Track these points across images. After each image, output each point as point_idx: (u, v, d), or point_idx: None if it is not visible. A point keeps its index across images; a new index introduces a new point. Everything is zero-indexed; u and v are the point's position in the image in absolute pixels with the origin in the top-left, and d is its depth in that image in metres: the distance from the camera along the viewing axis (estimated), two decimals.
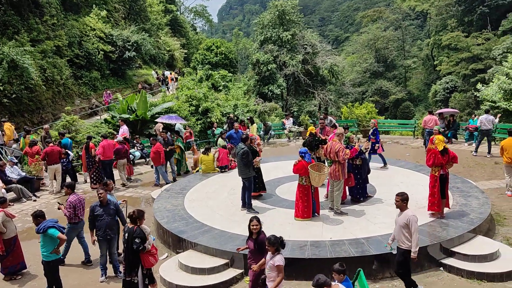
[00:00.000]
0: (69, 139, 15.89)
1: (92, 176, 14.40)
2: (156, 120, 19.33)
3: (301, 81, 34.09)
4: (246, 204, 10.14)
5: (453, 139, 19.01)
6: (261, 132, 21.21)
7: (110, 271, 8.24)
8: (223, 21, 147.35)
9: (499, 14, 48.58)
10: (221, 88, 29.54)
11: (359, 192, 10.42)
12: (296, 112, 31.69)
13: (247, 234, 8.58)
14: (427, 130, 16.55)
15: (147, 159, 17.65)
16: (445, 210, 9.15)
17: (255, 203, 10.45)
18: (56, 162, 13.80)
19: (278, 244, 5.76)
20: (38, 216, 7.34)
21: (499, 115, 18.35)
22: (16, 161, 14.75)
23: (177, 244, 9.04)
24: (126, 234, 6.74)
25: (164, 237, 9.60)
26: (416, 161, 14.90)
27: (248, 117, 19.11)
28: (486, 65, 42.69)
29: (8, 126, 16.34)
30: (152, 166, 15.88)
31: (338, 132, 9.76)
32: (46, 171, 14.40)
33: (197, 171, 14.71)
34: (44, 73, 21.94)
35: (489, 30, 48.84)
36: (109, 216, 7.97)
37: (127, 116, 20.21)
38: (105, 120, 21.43)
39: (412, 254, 6.51)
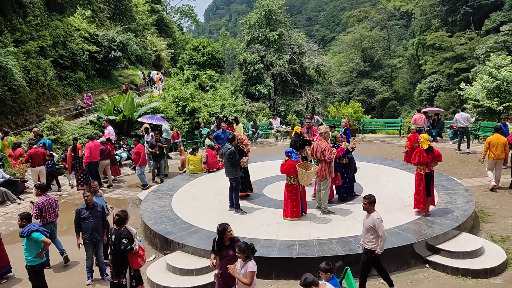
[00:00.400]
0: (48, 140, 15.62)
1: (79, 177, 14.24)
2: (139, 119, 18.98)
3: (288, 81, 34.21)
4: (234, 205, 10.13)
5: (438, 138, 19.25)
6: (249, 132, 21.21)
7: (96, 273, 8.16)
8: (210, 21, 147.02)
9: (482, 14, 49.40)
10: (208, 88, 29.48)
11: (346, 191, 10.49)
12: (284, 111, 31.81)
13: (236, 234, 8.56)
14: (421, 128, 16.86)
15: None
16: (431, 207, 9.26)
17: (242, 203, 10.45)
18: (40, 164, 13.62)
19: (248, 251, 5.63)
20: (24, 218, 7.24)
21: (475, 114, 18.65)
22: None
23: (165, 245, 8.99)
24: (113, 236, 6.69)
25: (152, 238, 9.54)
26: (402, 159, 15.04)
27: (233, 117, 19.08)
28: (469, 64, 43.38)
29: None
30: (134, 168, 15.80)
31: (322, 131, 9.77)
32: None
33: (185, 171, 14.65)
34: (28, 74, 21.64)
35: (472, 30, 49.63)
36: (95, 219, 7.89)
37: (113, 117, 20.04)
38: (91, 121, 21.22)
39: (378, 250, 6.59)
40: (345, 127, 14.02)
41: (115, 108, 21.01)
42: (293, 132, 11.59)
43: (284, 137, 21.82)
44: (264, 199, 11.00)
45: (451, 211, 9.24)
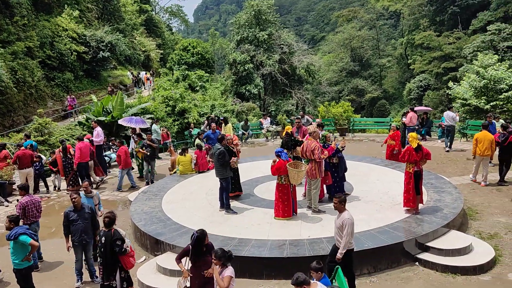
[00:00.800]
0: (33, 142, 15.40)
1: (71, 179, 14.06)
2: (118, 122, 18.31)
3: (278, 81, 34.26)
4: (224, 205, 10.11)
5: (427, 136, 19.41)
6: (240, 132, 21.18)
7: (86, 276, 8.09)
8: (199, 21, 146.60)
9: (469, 14, 49.95)
10: (198, 88, 29.41)
11: (336, 190, 10.48)
12: (274, 111, 31.85)
13: (227, 234, 8.61)
14: (411, 127, 17.00)
15: None
16: (420, 205, 9.32)
17: (233, 203, 10.43)
18: (28, 166, 13.45)
19: (225, 258, 5.52)
20: (13, 221, 7.15)
21: (457, 112, 18.90)
22: None
23: (155, 246, 8.94)
24: (103, 238, 6.64)
25: (142, 239, 9.48)
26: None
27: (222, 118, 19.04)
28: (457, 63, 43.81)
29: None
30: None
31: (311, 131, 9.79)
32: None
33: (175, 172, 14.58)
34: (15, 75, 21.38)
35: (459, 29, 50.12)
36: (84, 221, 7.80)
37: (103, 118, 19.88)
38: (79, 122, 21.03)
39: (338, 254, 6.51)
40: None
41: (104, 109, 20.85)
42: (284, 132, 11.59)
43: (274, 137, 21.83)
44: (255, 199, 10.99)
45: (440, 209, 9.31)
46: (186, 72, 30.64)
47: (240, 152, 13.03)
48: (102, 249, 6.66)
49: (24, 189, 8.82)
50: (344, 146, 10.60)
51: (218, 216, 9.89)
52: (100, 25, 34.10)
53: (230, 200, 10.25)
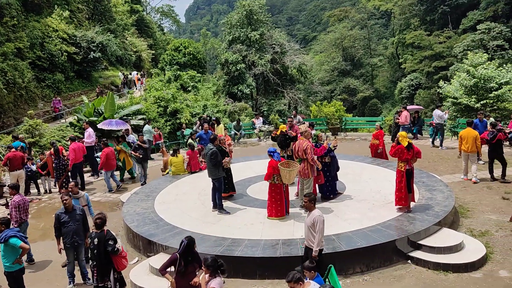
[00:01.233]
0: (21, 143, 15.26)
1: (64, 181, 13.93)
2: (98, 126, 17.69)
3: (270, 81, 34.24)
4: (217, 205, 10.09)
5: (419, 135, 19.54)
6: (232, 132, 21.16)
7: (78, 278, 8.04)
8: (191, 21, 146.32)
9: (459, 13, 50.35)
10: (190, 88, 29.34)
11: (329, 189, 10.55)
12: (266, 111, 31.84)
13: (220, 235, 8.60)
14: (406, 125, 17.16)
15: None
16: (411, 204, 9.38)
17: (226, 203, 10.42)
18: (19, 168, 13.32)
19: (213, 267, 5.38)
20: (3, 224, 7.09)
21: (446, 110, 19.07)
22: None
23: (148, 247, 8.90)
24: (96, 240, 6.60)
25: (134, 241, 9.44)
26: (382, 157, 15.19)
27: (214, 118, 18.99)
28: (448, 62, 44.11)
29: None
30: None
31: (303, 130, 9.81)
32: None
33: (167, 173, 14.53)
34: (5, 76, 21.17)
35: (450, 28, 50.50)
36: (75, 222, 7.76)
37: (94, 119, 19.75)
38: (71, 123, 20.88)
39: (313, 253, 6.49)
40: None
41: (96, 110, 20.72)
42: (279, 131, 11.58)
43: (267, 136, 21.85)
44: (248, 199, 10.99)
45: (432, 207, 9.38)
46: (178, 72, 30.54)
47: (232, 152, 13.01)
48: (95, 251, 6.63)
49: (15, 188, 8.85)
50: (336, 146, 10.64)
51: (211, 216, 9.87)
52: (90, 26, 33.89)
53: (223, 200, 10.24)
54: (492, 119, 15.54)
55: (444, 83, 23.37)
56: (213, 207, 10.23)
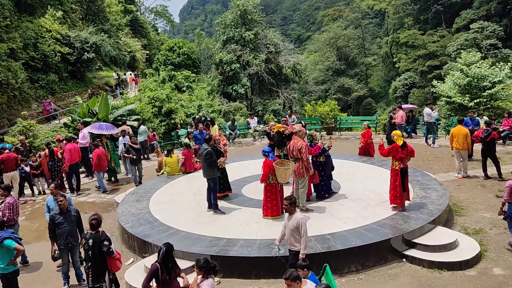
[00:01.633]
0: (7, 144, 15.11)
1: (58, 182, 13.85)
2: (88, 129, 16.47)
3: (265, 80, 34.26)
4: (212, 205, 10.08)
5: (413, 134, 19.62)
6: (227, 132, 21.15)
7: (72, 279, 8.00)
8: (185, 21, 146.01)
9: (453, 12, 50.61)
10: (184, 88, 29.28)
11: (324, 188, 10.56)
12: (261, 111, 31.85)
13: (215, 235, 8.59)
14: (402, 125, 17.29)
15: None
16: (406, 202, 9.41)
17: (221, 203, 10.41)
18: (12, 169, 13.24)
19: (206, 269, 5.33)
20: None
21: (437, 108, 19.25)
22: None
23: (143, 248, 8.88)
24: (91, 241, 6.58)
25: (129, 241, 9.41)
26: (378, 156, 15.25)
27: (209, 119, 18.97)
28: (441, 61, 44.32)
29: None
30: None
31: (297, 130, 9.82)
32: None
33: (162, 173, 14.50)
34: None
35: (443, 28, 50.76)
36: (70, 224, 7.72)
37: (88, 119, 19.65)
38: (65, 124, 20.77)
39: (300, 255, 6.42)
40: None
41: (90, 111, 20.62)
42: (275, 131, 11.58)
43: (262, 136, 21.86)
44: (243, 199, 10.99)
45: (426, 205, 9.42)
46: (172, 72, 30.46)
47: (227, 152, 12.99)
48: (90, 252, 6.60)
49: (7, 190, 8.80)
50: (331, 146, 10.65)
51: (206, 216, 9.86)
52: (84, 26, 33.71)
53: (218, 200, 10.23)
54: (485, 118, 15.64)
55: (438, 82, 23.51)
56: (208, 207, 10.21)
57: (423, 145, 17.46)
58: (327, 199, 10.42)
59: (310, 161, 9.68)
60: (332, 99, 40.15)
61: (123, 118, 20.52)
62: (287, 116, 18.56)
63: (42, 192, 14.51)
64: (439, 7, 50.95)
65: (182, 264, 7.84)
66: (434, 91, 24.24)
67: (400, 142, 9.14)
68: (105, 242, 6.52)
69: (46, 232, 8.45)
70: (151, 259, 8.22)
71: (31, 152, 16.26)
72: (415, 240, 8.13)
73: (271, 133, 12.03)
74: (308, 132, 10.62)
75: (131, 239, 9.30)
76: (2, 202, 8.78)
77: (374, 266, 7.77)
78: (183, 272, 6.10)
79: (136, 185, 14.03)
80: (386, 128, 18.48)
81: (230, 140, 20.88)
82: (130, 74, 33.61)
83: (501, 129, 15.79)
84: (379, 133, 21.13)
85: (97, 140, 14.96)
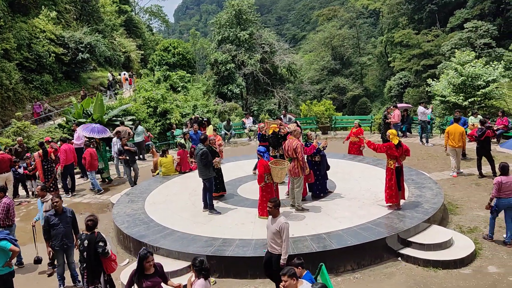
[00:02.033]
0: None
1: (51, 183, 13.79)
2: (79, 131, 16.35)
3: (260, 80, 34.25)
4: (208, 205, 10.07)
5: (408, 133, 19.69)
6: (222, 132, 21.13)
7: (68, 280, 7.97)
8: (180, 21, 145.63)
9: (447, 12, 50.80)
10: (179, 89, 29.23)
11: (319, 188, 10.58)
12: (256, 111, 31.84)
13: (211, 235, 8.58)
14: (399, 124, 17.41)
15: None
16: (401, 201, 9.45)
17: (217, 203, 10.40)
18: (6, 170, 13.16)
19: (199, 269, 5.33)
20: None
21: (431, 106, 19.36)
22: None
23: (139, 249, 8.73)
24: (86, 241, 6.55)
25: (125, 242, 9.38)
26: (373, 155, 15.29)
27: (205, 119, 18.93)
28: (436, 60, 44.46)
29: None
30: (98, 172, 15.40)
31: (292, 130, 9.83)
32: None
33: (157, 173, 14.47)
34: None
35: (437, 27, 50.94)
36: (65, 225, 7.68)
37: (83, 120, 19.59)
38: (59, 125, 20.68)
39: (281, 261, 6.26)
40: (258, 133, 13.09)
41: (85, 111, 20.55)
42: (270, 131, 11.55)
43: (257, 136, 21.84)
44: (238, 199, 10.99)
45: (421, 204, 9.46)
46: (168, 72, 30.41)
47: (223, 152, 12.97)
48: (85, 253, 6.57)
49: (2, 191, 8.78)
50: (326, 146, 10.66)
51: (202, 216, 9.85)
52: (78, 26, 33.60)
53: (213, 200, 10.23)
54: (480, 117, 15.73)
55: (433, 81, 23.60)
56: (204, 207, 10.21)
57: (418, 144, 17.53)
58: (323, 199, 10.43)
59: (306, 160, 9.70)
60: (327, 98, 40.17)
61: (119, 118, 20.45)
62: (281, 116, 18.58)
63: (34, 194, 14.42)
64: (433, 6, 51.14)
65: (178, 264, 7.87)
66: (429, 90, 24.32)
67: (395, 141, 9.17)
68: (100, 243, 6.48)
69: (40, 233, 8.40)
70: None
71: (25, 153, 16.15)
72: (411, 239, 8.17)
73: (266, 135, 11.98)
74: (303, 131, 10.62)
75: (126, 239, 9.27)
76: None
77: (369, 265, 7.79)
78: (170, 280, 6.02)
79: (132, 186, 14.00)
80: (381, 128, 18.54)
81: (226, 140, 20.86)
82: (124, 74, 33.50)
83: (495, 128, 15.89)
84: (374, 133, 21.18)
85: (92, 140, 14.89)
